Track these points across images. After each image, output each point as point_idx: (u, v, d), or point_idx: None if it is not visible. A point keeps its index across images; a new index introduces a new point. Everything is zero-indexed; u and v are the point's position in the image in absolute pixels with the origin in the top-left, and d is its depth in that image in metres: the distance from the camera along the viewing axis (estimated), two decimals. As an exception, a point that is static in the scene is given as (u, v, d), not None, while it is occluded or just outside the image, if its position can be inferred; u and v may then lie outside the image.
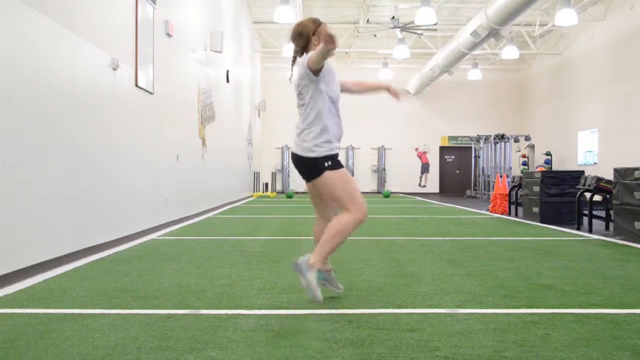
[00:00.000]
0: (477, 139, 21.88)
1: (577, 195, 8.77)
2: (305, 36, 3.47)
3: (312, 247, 3.70)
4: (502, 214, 11.99)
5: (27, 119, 4.48)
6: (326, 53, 3.21)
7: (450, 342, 2.77)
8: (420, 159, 25.43)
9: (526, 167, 21.05)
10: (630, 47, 16.24)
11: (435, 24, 16.04)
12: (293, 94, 3.62)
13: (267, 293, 3.90)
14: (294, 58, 3.53)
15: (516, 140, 20.82)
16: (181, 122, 9.53)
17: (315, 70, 3.36)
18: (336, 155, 3.43)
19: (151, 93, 7.62)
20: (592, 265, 5.16)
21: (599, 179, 8.44)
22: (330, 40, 3.11)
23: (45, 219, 4.79)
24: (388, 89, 3.73)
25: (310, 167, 3.39)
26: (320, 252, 3.29)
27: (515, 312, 3.40)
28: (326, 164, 3.34)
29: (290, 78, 3.58)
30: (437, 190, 25.33)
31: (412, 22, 16.22)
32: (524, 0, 12.47)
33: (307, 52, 3.50)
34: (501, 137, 20.40)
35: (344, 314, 3.30)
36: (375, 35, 20.84)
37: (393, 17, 17.32)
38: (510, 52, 19.00)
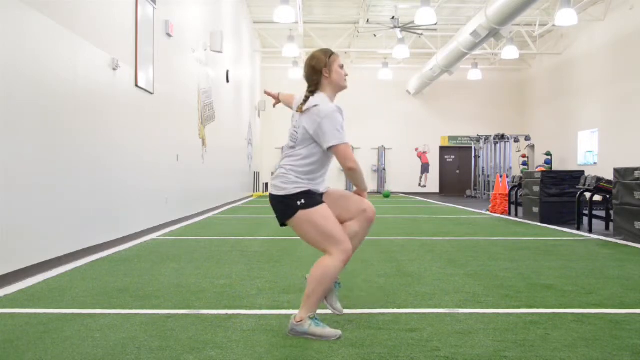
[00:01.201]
0: (477, 139, 21.88)
1: (577, 195, 8.77)
2: (319, 71, 3.15)
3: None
4: (502, 214, 11.99)
5: (27, 119, 4.48)
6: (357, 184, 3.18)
7: (450, 342, 2.77)
8: (420, 159, 25.43)
9: (526, 167, 21.04)
10: (630, 47, 16.24)
11: (435, 24, 16.03)
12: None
13: (267, 293, 3.90)
14: (307, 97, 3.12)
15: (516, 140, 20.82)
16: (181, 122, 9.53)
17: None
18: (312, 191, 3.04)
19: (151, 93, 7.62)
20: (592, 265, 5.16)
21: (599, 179, 8.44)
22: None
23: (46, 219, 4.79)
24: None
25: (283, 206, 3.05)
26: (308, 305, 2.92)
27: (515, 312, 3.40)
28: (299, 203, 2.99)
29: (294, 110, 3.25)
30: (437, 190, 25.32)
31: (412, 22, 16.21)
32: (524, 0, 12.48)
33: (320, 86, 3.15)
34: (501, 137, 20.40)
35: (343, 314, 3.30)
36: (375, 35, 20.84)
37: (393, 17, 17.32)
38: (510, 52, 18.99)
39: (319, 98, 3.10)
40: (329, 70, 3.16)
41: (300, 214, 2.97)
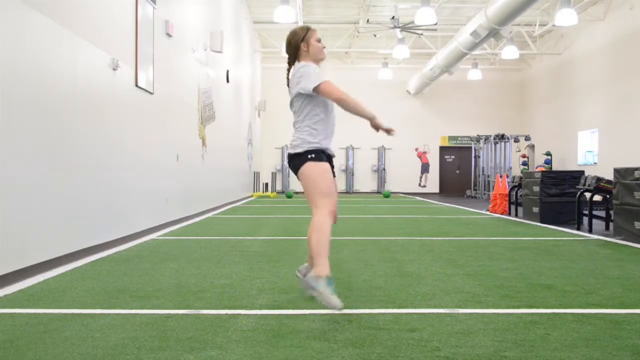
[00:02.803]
0: (477, 139, 21.88)
1: (577, 195, 8.77)
2: (294, 44, 3.61)
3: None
4: (502, 214, 11.99)
5: (27, 119, 4.48)
6: (354, 112, 3.59)
7: (450, 342, 2.77)
8: (420, 159, 25.43)
9: (526, 167, 21.05)
10: (630, 47, 16.24)
11: (435, 24, 16.04)
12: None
13: (267, 293, 3.90)
14: (289, 67, 3.65)
15: (516, 140, 20.82)
16: (181, 122, 9.53)
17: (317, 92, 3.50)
18: (320, 150, 3.55)
19: (151, 93, 7.62)
20: (592, 265, 5.16)
21: (599, 179, 8.44)
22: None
23: (45, 219, 4.79)
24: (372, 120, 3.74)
25: (296, 160, 3.56)
26: (317, 261, 3.28)
27: (515, 312, 3.39)
28: (309, 156, 3.51)
29: (288, 85, 3.69)
30: (437, 190, 25.33)
31: (412, 22, 16.22)
32: (524, 0, 12.48)
33: (298, 60, 3.64)
34: (501, 137, 20.40)
35: (344, 314, 3.30)
36: (375, 35, 20.84)
37: (393, 17, 17.32)
38: (510, 52, 19.00)
39: (295, 65, 3.60)
40: (307, 44, 3.59)
41: (308, 164, 3.50)
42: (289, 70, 3.66)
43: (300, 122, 3.58)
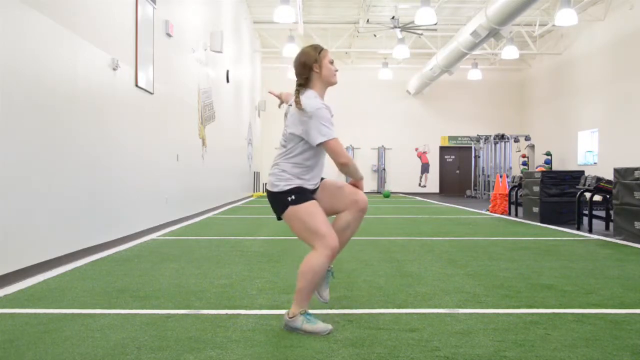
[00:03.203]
0: (477, 139, 21.87)
1: (577, 195, 8.77)
2: (308, 65, 3.18)
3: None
4: (502, 214, 11.99)
5: (27, 119, 4.48)
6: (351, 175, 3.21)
7: (450, 342, 2.77)
8: (420, 159, 25.43)
9: (526, 167, 21.04)
10: (630, 47, 16.23)
11: (435, 24, 16.03)
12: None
13: (267, 293, 3.90)
14: (298, 90, 3.17)
15: (516, 140, 20.81)
16: (181, 122, 9.53)
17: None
18: (302, 188, 3.12)
19: (151, 93, 7.62)
20: (592, 265, 5.16)
21: (599, 179, 8.44)
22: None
23: (45, 219, 4.79)
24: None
25: (275, 202, 3.15)
26: (298, 300, 2.98)
27: (515, 312, 3.39)
28: (289, 199, 3.08)
29: (285, 109, 3.30)
30: (437, 190, 25.32)
31: (412, 22, 16.21)
32: (524, 0, 12.47)
33: (310, 82, 3.19)
34: (501, 137, 20.39)
35: (344, 314, 3.30)
36: (375, 35, 20.83)
37: (393, 17, 17.31)
38: (510, 52, 18.99)
39: (307, 95, 3.13)
40: (320, 66, 3.19)
41: (290, 209, 3.08)
42: (298, 92, 3.16)
43: (283, 154, 3.17)
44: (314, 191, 3.21)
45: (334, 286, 3.93)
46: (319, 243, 3.05)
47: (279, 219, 3.21)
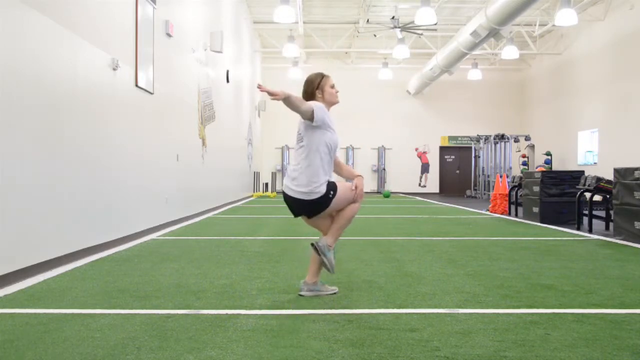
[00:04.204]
0: (477, 139, 21.88)
1: (577, 195, 8.77)
2: (310, 92, 3.83)
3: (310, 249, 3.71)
4: (502, 214, 11.99)
5: (27, 118, 4.48)
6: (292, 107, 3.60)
7: (450, 342, 2.77)
8: (420, 159, 25.43)
9: (526, 167, 21.04)
10: (630, 47, 16.24)
11: (435, 24, 16.03)
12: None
13: (267, 293, 3.90)
14: None
15: (516, 140, 20.82)
16: (181, 122, 9.53)
17: (307, 118, 3.67)
18: (329, 182, 3.75)
19: (151, 93, 7.62)
20: (592, 265, 5.16)
21: (599, 179, 8.44)
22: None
23: (45, 219, 4.79)
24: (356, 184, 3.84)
25: (319, 205, 3.71)
26: (335, 235, 3.76)
27: (515, 312, 3.40)
28: (330, 195, 3.69)
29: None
30: (437, 190, 25.33)
31: (412, 22, 16.21)
32: (524, 0, 12.47)
33: None
34: (501, 137, 20.40)
35: (344, 314, 3.30)
36: (375, 35, 20.84)
37: (393, 17, 17.31)
38: (510, 52, 19.00)
39: None
40: (322, 91, 3.83)
41: (334, 201, 3.72)
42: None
43: (303, 161, 3.71)
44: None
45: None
46: (357, 199, 3.79)
47: (313, 215, 3.80)
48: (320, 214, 3.76)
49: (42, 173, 4.72)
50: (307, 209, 3.73)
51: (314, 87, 3.83)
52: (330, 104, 3.84)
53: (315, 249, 3.73)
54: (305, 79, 3.91)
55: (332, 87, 3.87)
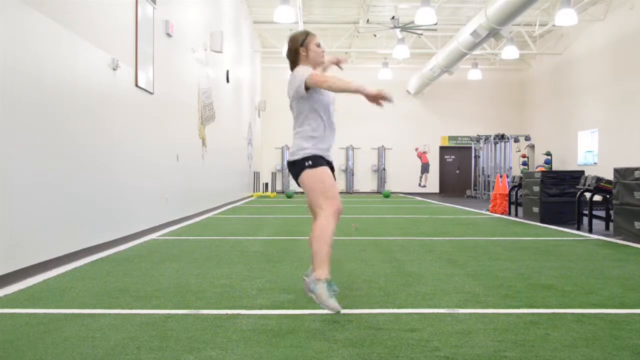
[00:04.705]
0: (477, 139, 21.87)
1: (577, 195, 8.77)
2: (294, 50, 3.64)
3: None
4: (502, 214, 11.99)
5: (27, 118, 4.48)
6: (345, 90, 3.52)
7: (450, 342, 2.77)
8: (420, 159, 25.43)
9: (526, 167, 21.04)
10: (630, 47, 16.23)
11: (435, 24, 16.03)
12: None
13: (267, 293, 3.90)
14: (291, 69, 3.70)
15: (516, 140, 20.81)
16: (181, 122, 9.53)
17: (308, 87, 3.51)
18: (317, 155, 3.54)
19: (151, 93, 7.62)
20: (592, 265, 5.16)
21: (599, 179, 8.44)
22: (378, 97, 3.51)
23: (46, 219, 4.79)
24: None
25: (295, 167, 3.58)
26: (318, 262, 3.30)
27: (515, 312, 3.40)
28: (306, 164, 3.51)
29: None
30: (437, 190, 25.32)
31: (412, 22, 16.21)
32: (524, 0, 12.47)
33: (297, 64, 3.64)
34: (501, 137, 20.39)
35: (344, 314, 3.30)
36: (375, 35, 20.84)
37: (393, 17, 17.31)
38: (510, 52, 18.99)
39: (297, 69, 3.62)
40: (306, 49, 3.63)
41: (306, 172, 3.50)
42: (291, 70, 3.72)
43: (298, 127, 3.60)
44: (330, 165, 3.59)
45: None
46: (326, 203, 3.41)
47: (297, 183, 3.61)
48: (297, 181, 3.59)
49: (42, 173, 4.72)
50: (290, 168, 3.64)
51: (298, 45, 3.63)
52: (315, 64, 3.64)
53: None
54: (289, 38, 3.72)
55: (318, 46, 3.67)
